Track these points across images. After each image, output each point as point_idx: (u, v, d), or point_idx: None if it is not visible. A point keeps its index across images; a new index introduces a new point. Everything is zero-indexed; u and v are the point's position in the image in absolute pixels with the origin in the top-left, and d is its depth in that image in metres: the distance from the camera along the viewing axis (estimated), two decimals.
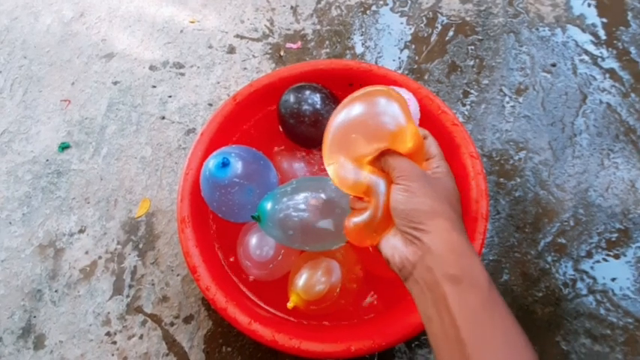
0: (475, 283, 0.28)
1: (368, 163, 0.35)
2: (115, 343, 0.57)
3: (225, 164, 0.43)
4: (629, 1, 0.79)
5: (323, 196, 0.44)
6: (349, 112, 0.36)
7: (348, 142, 0.35)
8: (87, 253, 0.63)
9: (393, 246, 0.32)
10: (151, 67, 0.79)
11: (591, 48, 0.74)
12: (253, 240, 0.50)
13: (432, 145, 0.36)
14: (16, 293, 0.61)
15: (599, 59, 0.73)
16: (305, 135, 0.54)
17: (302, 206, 0.44)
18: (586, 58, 0.74)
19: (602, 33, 0.76)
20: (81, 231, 0.65)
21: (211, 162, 0.43)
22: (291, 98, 0.54)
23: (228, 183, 0.43)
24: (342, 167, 0.35)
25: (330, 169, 0.36)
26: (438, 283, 0.28)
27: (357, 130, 0.35)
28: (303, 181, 0.48)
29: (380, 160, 0.35)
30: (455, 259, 0.29)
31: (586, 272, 0.57)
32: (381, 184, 0.34)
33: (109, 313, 0.59)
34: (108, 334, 0.58)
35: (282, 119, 0.55)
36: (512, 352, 0.26)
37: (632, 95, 0.69)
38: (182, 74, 0.78)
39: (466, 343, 0.26)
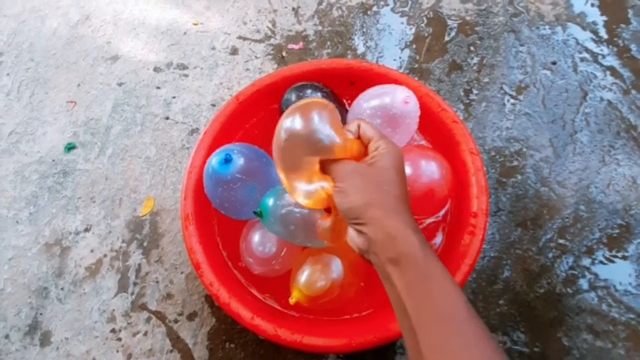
0: (411, 262, 0.31)
1: (317, 175, 0.37)
2: (120, 339, 0.58)
3: (227, 160, 0.44)
4: None
5: None
6: (288, 131, 0.37)
7: (293, 164, 0.37)
8: (92, 251, 0.64)
9: (352, 238, 0.35)
10: (155, 69, 0.80)
11: (592, 46, 0.75)
12: (256, 237, 0.50)
13: (366, 130, 0.37)
14: (22, 291, 0.62)
15: (600, 57, 0.73)
16: None
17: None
18: (586, 55, 0.74)
19: (602, 31, 0.76)
20: (86, 229, 0.66)
21: (214, 158, 0.44)
22: (293, 97, 0.55)
23: (231, 179, 0.44)
24: (295, 188, 0.38)
25: (291, 194, 0.39)
26: (384, 266, 0.32)
27: (297, 152, 0.37)
28: None
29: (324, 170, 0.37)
30: (390, 243, 0.32)
31: (587, 268, 0.57)
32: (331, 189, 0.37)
33: (114, 310, 0.60)
34: (113, 330, 0.59)
35: None
36: (452, 321, 0.29)
37: (633, 92, 0.70)
38: (186, 75, 0.79)
39: (411, 315, 0.30)
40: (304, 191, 0.38)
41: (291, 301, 0.45)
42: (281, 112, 0.56)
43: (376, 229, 0.32)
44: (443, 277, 0.31)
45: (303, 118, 0.37)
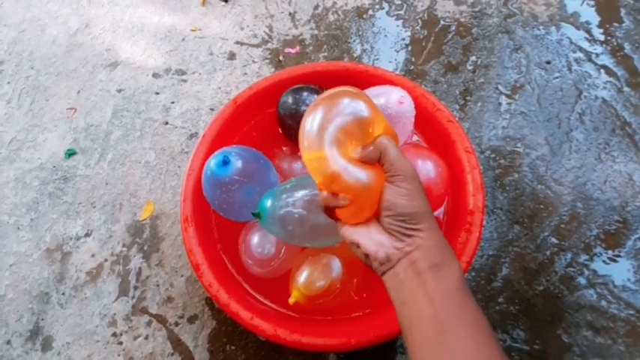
0: (451, 271, 0.31)
1: (356, 160, 0.35)
2: (121, 343, 0.58)
3: (225, 162, 0.44)
4: None
5: None
6: (334, 107, 0.35)
7: (342, 134, 0.34)
8: (93, 256, 0.65)
9: (379, 243, 0.33)
10: (154, 75, 0.81)
11: (585, 45, 0.75)
12: (255, 238, 0.51)
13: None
14: (24, 296, 0.63)
15: (594, 56, 0.74)
16: None
17: (301, 203, 0.45)
18: (580, 55, 0.75)
19: (595, 30, 0.77)
20: (87, 234, 0.66)
21: (212, 161, 0.45)
22: (290, 99, 0.55)
23: (229, 181, 0.44)
24: (332, 159, 0.34)
25: (315, 161, 0.34)
26: (421, 273, 0.31)
27: (348, 124, 0.34)
28: (302, 178, 0.49)
29: (372, 149, 0.34)
30: (439, 251, 0.32)
31: (586, 265, 0.57)
32: (372, 178, 0.34)
33: (115, 314, 0.60)
34: (114, 334, 0.59)
35: (281, 120, 0.56)
36: (479, 330, 0.30)
37: (627, 90, 0.70)
38: (184, 81, 0.80)
39: (441, 320, 0.30)
40: (338, 168, 0.33)
41: (291, 301, 0.46)
42: (278, 115, 0.56)
43: (429, 237, 0.32)
44: (470, 291, 0.32)
45: (347, 99, 0.35)
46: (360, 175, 0.34)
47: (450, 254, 0.32)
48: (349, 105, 0.35)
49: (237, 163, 0.45)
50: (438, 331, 0.29)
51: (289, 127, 0.56)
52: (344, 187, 0.34)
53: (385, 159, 0.34)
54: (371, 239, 0.34)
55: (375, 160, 0.34)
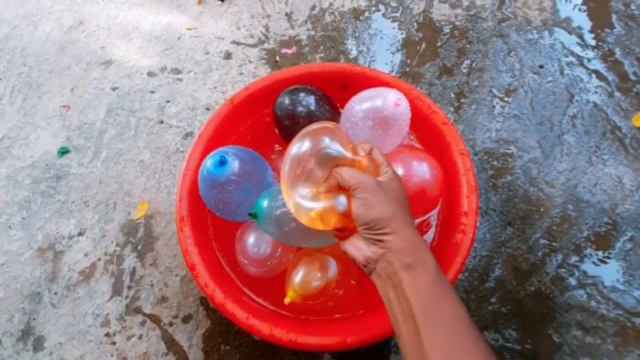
0: (425, 268, 0.34)
1: (323, 195, 0.40)
2: (114, 343, 0.58)
3: (222, 162, 0.44)
4: (614, 4, 0.82)
5: None
6: (299, 148, 0.40)
7: (303, 175, 0.40)
8: (86, 255, 0.64)
9: (358, 248, 0.37)
10: (149, 73, 0.80)
11: (578, 50, 0.77)
12: (251, 238, 0.51)
13: (377, 155, 0.41)
14: (15, 296, 0.62)
15: (585, 60, 0.75)
16: None
17: None
18: (572, 59, 0.76)
19: (587, 35, 0.78)
20: (80, 234, 0.66)
21: (209, 161, 0.45)
22: (286, 100, 0.55)
23: (226, 181, 0.44)
24: (301, 206, 0.40)
25: (292, 209, 0.41)
26: (396, 272, 0.34)
27: (307, 162, 0.40)
28: None
29: (333, 180, 0.39)
30: (410, 251, 0.34)
31: (576, 266, 0.58)
32: (341, 200, 0.39)
33: (108, 314, 0.60)
34: (107, 334, 0.58)
35: (277, 121, 0.56)
36: (456, 322, 0.32)
37: (618, 94, 0.72)
38: (180, 80, 0.79)
39: (416, 315, 0.32)
40: (314, 209, 0.39)
41: (286, 301, 0.46)
42: (275, 115, 0.56)
43: (398, 239, 0.35)
44: (448, 284, 0.34)
45: (313, 140, 0.40)
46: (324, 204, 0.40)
47: (424, 252, 0.35)
48: (315, 147, 0.40)
49: (234, 163, 0.45)
50: (416, 327, 0.31)
51: (286, 127, 0.56)
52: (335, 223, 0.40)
53: (342, 182, 0.38)
54: (353, 246, 0.38)
55: (337, 187, 0.39)
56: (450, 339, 0.31)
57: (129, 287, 0.61)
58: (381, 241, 0.35)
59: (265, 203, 0.46)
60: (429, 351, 0.30)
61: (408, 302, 0.32)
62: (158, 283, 0.61)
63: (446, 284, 0.34)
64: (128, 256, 0.64)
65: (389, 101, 0.49)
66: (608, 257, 0.59)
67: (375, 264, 0.36)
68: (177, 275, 0.62)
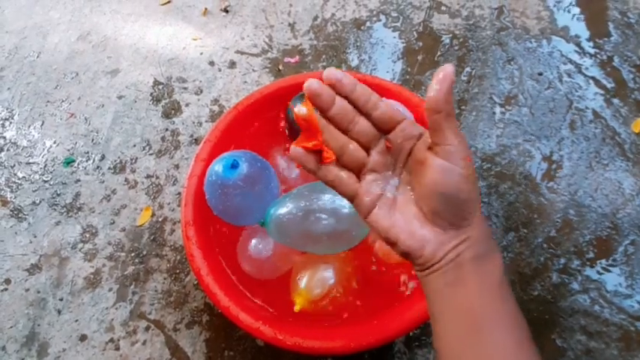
0: (495, 259, 0.29)
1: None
2: (118, 349, 0.58)
3: (234, 166, 0.45)
4: (611, 12, 0.83)
5: (327, 201, 0.46)
6: None
7: None
8: (91, 261, 0.65)
9: (423, 237, 0.29)
10: (155, 82, 0.82)
11: (576, 57, 0.78)
12: (252, 241, 0.52)
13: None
14: (20, 302, 0.62)
15: (584, 68, 0.77)
16: None
17: (306, 211, 0.46)
18: (571, 67, 0.77)
19: (585, 43, 0.80)
20: (85, 240, 0.66)
21: (219, 164, 0.45)
22: (299, 104, 0.57)
23: (234, 185, 0.45)
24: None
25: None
26: (463, 265, 0.28)
27: None
28: (306, 187, 0.50)
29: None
30: (487, 239, 0.29)
31: (579, 270, 0.59)
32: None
33: (112, 319, 0.60)
34: (111, 340, 0.59)
35: (289, 124, 0.57)
36: (519, 330, 0.28)
37: (616, 101, 0.73)
38: (185, 88, 0.81)
39: (478, 313, 0.27)
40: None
41: (296, 309, 0.46)
42: (287, 119, 0.58)
43: (479, 228, 0.29)
44: (509, 284, 0.30)
45: None
46: None
47: (495, 243, 0.29)
48: None
49: (244, 168, 0.46)
50: (475, 327, 0.27)
51: (296, 130, 0.57)
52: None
53: (441, 137, 0.29)
54: (415, 236, 0.29)
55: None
56: (514, 348, 0.27)
57: (133, 293, 0.62)
58: (461, 227, 0.28)
59: (275, 211, 0.47)
60: (486, 356, 0.27)
61: (469, 299, 0.28)
62: (162, 289, 0.62)
63: (509, 284, 0.29)
64: (133, 261, 0.64)
65: None
66: (611, 262, 0.59)
67: (443, 255, 0.28)
68: (181, 281, 0.62)
